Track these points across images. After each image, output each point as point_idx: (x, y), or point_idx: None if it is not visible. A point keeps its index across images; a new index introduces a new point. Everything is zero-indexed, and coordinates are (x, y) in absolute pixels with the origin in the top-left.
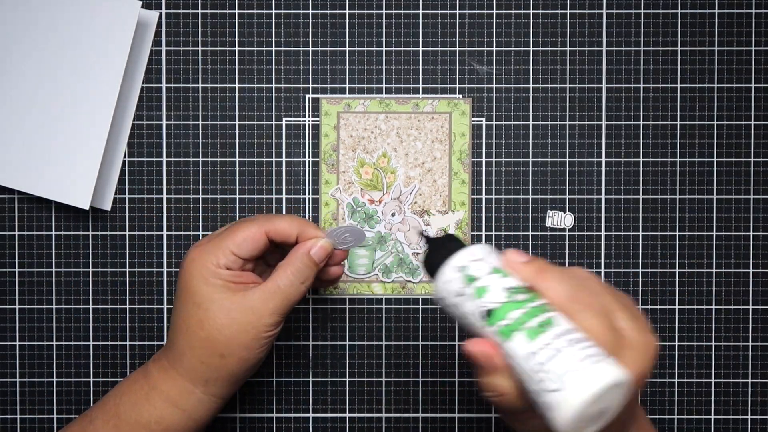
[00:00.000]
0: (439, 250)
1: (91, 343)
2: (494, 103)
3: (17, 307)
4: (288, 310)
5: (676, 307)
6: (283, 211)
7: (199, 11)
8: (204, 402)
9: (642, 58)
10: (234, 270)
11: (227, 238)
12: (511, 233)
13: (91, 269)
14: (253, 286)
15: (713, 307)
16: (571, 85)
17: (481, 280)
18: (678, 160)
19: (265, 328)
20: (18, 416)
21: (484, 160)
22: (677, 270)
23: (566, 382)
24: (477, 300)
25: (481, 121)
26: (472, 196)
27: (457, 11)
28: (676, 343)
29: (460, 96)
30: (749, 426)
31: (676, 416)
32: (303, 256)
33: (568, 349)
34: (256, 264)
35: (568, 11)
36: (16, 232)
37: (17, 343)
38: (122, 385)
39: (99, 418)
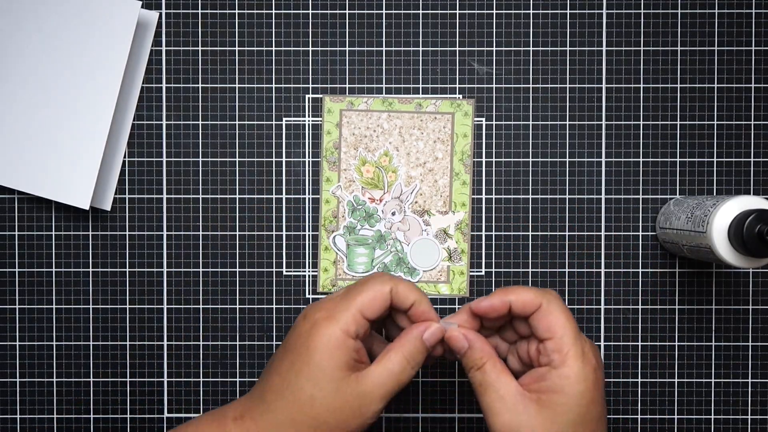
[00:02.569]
0: None
1: (91, 343)
2: (494, 103)
3: (17, 307)
4: (395, 395)
5: (676, 307)
6: (283, 211)
7: (199, 11)
8: None
9: (642, 58)
10: (360, 337)
11: (355, 299)
12: (511, 233)
13: (91, 269)
14: (363, 366)
15: (713, 307)
16: (571, 85)
17: None
18: (678, 160)
19: (373, 414)
20: (18, 416)
21: (483, 160)
22: (677, 270)
23: None
24: None
25: (481, 121)
26: (472, 196)
27: (457, 11)
28: (676, 343)
29: (460, 96)
30: (749, 426)
31: (675, 416)
32: (416, 340)
33: None
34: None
35: (568, 11)
36: (16, 232)
37: (17, 343)
38: (191, 427)
39: None
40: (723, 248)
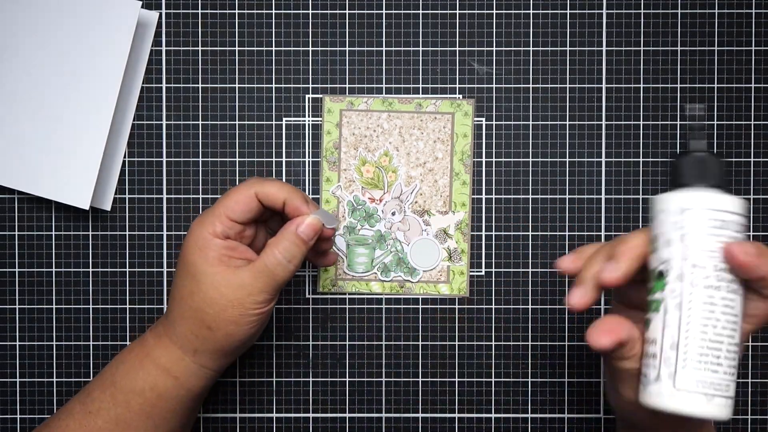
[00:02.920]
0: (699, 168)
1: (91, 343)
2: (494, 103)
3: (17, 307)
4: (277, 289)
5: None
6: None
7: (199, 11)
8: (194, 371)
9: (642, 58)
10: (231, 239)
11: (221, 204)
12: (511, 233)
13: (91, 269)
14: (245, 262)
15: None
16: (571, 85)
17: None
18: None
19: (253, 305)
20: (18, 416)
21: (483, 160)
22: None
23: (678, 386)
24: (683, 250)
25: (481, 121)
26: (472, 196)
27: (457, 11)
28: None
29: (461, 96)
30: (749, 426)
31: None
32: (290, 234)
33: (702, 363)
34: (257, 232)
35: (568, 11)
36: (16, 232)
37: (17, 343)
38: (119, 355)
39: (97, 389)
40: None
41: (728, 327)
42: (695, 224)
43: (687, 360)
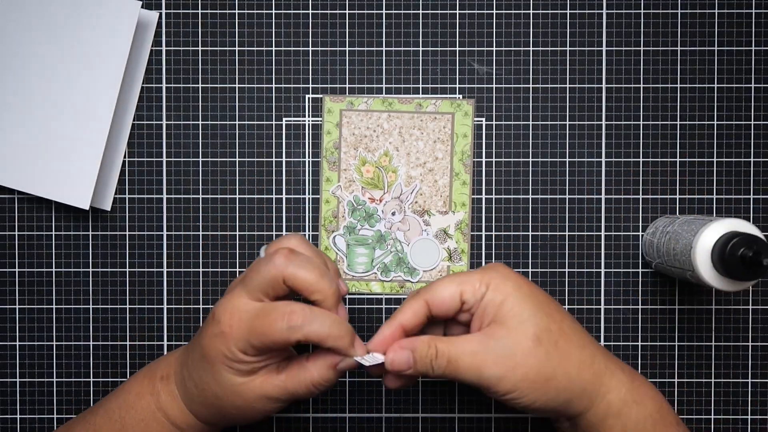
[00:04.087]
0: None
1: (91, 343)
2: (494, 103)
3: (17, 307)
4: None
5: (676, 307)
6: (283, 211)
7: (199, 11)
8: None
9: (642, 58)
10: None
11: (249, 279)
12: (511, 233)
13: (91, 269)
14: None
15: (713, 307)
16: (571, 85)
17: None
18: (678, 160)
19: (275, 411)
20: (18, 416)
21: (484, 160)
22: None
23: None
24: None
25: (481, 121)
26: (472, 196)
27: (457, 11)
28: (676, 343)
29: (460, 96)
30: (749, 426)
31: None
32: (328, 370)
33: None
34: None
35: (568, 11)
36: (16, 232)
37: (17, 343)
38: (128, 396)
39: (104, 427)
40: (706, 271)
41: None
42: None
43: None
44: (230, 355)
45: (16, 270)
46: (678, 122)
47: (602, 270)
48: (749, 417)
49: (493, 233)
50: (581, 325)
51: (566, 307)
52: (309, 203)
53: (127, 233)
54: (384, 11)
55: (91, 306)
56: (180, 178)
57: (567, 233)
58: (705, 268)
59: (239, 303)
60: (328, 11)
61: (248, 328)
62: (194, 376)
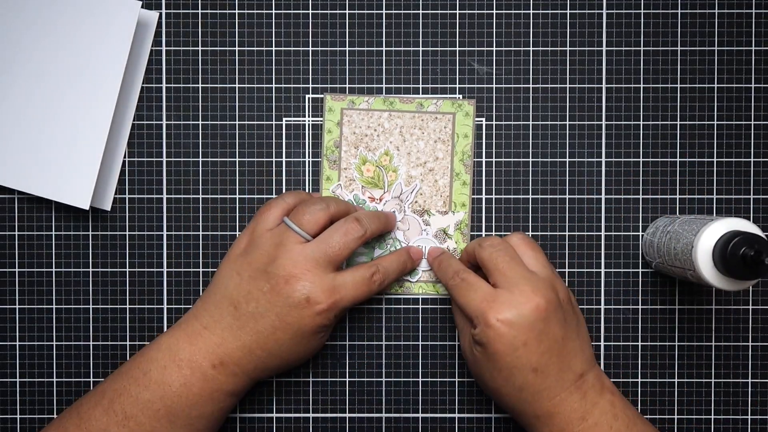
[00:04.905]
0: None
1: (91, 343)
2: (494, 103)
3: (17, 307)
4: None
5: (676, 307)
6: None
7: (199, 11)
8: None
9: (642, 58)
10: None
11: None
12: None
13: (91, 269)
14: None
15: (713, 307)
16: (571, 85)
17: None
18: (678, 160)
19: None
20: (18, 416)
21: (484, 159)
22: None
23: None
24: None
25: (481, 121)
26: (472, 196)
27: (457, 11)
28: (676, 343)
29: (461, 96)
30: (749, 426)
31: (676, 416)
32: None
33: None
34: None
35: (568, 11)
36: (16, 232)
37: (17, 343)
38: (168, 389)
39: (142, 416)
40: (707, 270)
41: None
42: None
43: None
44: (329, 323)
45: (16, 270)
46: (678, 122)
47: (602, 270)
48: (749, 417)
49: (493, 233)
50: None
51: None
52: None
53: (127, 233)
54: (384, 11)
55: (91, 306)
56: (180, 178)
57: (567, 233)
58: (706, 268)
59: (330, 280)
60: (328, 11)
61: (352, 297)
62: (276, 353)
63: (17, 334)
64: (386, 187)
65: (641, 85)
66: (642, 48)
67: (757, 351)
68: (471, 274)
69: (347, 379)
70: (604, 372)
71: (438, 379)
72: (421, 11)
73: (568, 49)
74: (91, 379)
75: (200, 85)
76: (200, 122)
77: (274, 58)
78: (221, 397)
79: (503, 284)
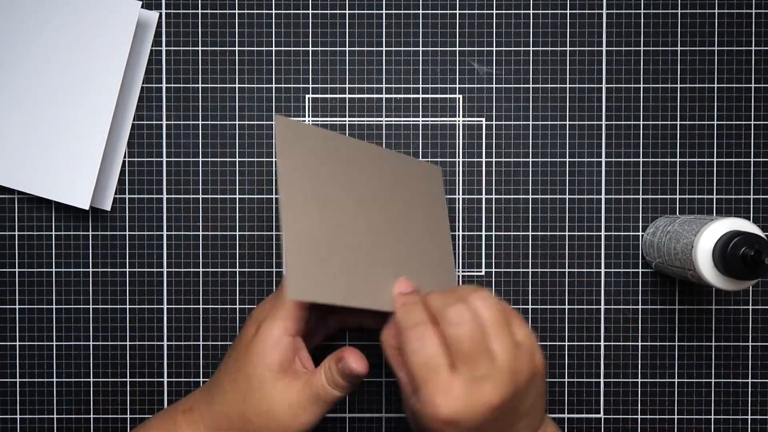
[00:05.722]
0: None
1: (91, 343)
2: (494, 103)
3: (17, 307)
4: (324, 410)
5: (676, 307)
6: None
7: (199, 11)
8: None
9: (642, 58)
10: (302, 333)
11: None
12: (511, 233)
13: (91, 269)
14: (304, 372)
15: (713, 307)
16: (571, 85)
17: None
18: (678, 160)
19: (301, 426)
20: (18, 416)
21: (484, 160)
22: None
23: None
24: None
25: (481, 121)
26: (472, 196)
27: (457, 11)
28: (676, 343)
29: (460, 96)
30: (749, 426)
31: (676, 416)
32: (340, 370)
33: None
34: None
35: (568, 11)
36: (16, 232)
37: (17, 343)
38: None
39: None
40: (707, 270)
41: None
42: None
43: None
44: (275, 331)
45: (16, 270)
46: (678, 122)
47: (602, 270)
48: (749, 417)
49: (493, 233)
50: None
51: (566, 307)
52: None
53: (127, 233)
54: (384, 11)
55: (91, 306)
56: (180, 178)
57: (567, 233)
58: (706, 267)
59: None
60: (328, 11)
61: (284, 300)
62: (224, 382)
63: (17, 334)
64: None
65: (641, 85)
66: (642, 48)
67: (758, 351)
68: (434, 344)
69: None
70: (605, 372)
71: None
72: (421, 11)
73: (568, 49)
74: (91, 379)
75: (200, 85)
76: (200, 122)
77: (274, 58)
78: None
79: (462, 371)
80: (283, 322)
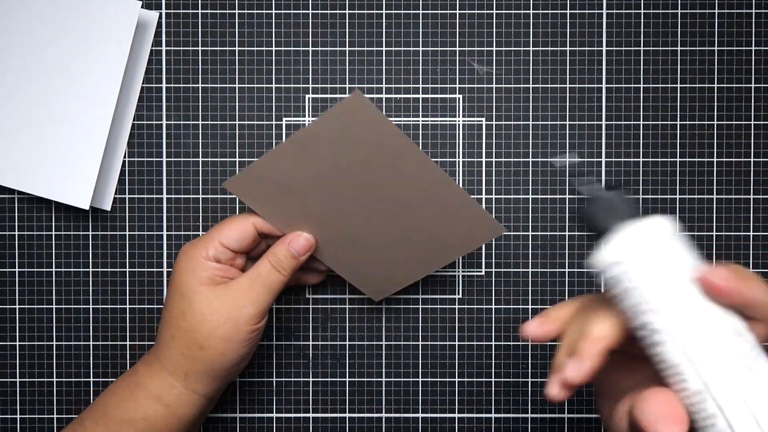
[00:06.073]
0: (608, 210)
1: (91, 343)
2: (494, 103)
3: (17, 307)
4: (269, 302)
5: None
6: None
7: (199, 11)
8: (185, 397)
9: (642, 58)
10: (223, 263)
11: (217, 230)
12: (511, 233)
13: (91, 269)
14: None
15: None
16: (571, 85)
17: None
18: (678, 160)
19: (246, 319)
20: (18, 416)
21: (484, 160)
22: None
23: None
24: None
25: (481, 121)
26: (472, 196)
27: (457, 11)
28: None
29: (460, 96)
30: None
31: None
32: (282, 247)
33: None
34: (247, 261)
35: (568, 11)
36: (16, 232)
37: (17, 343)
38: (111, 386)
39: (89, 419)
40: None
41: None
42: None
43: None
44: (202, 257)
45: (16, 270)
46: (678, 122)
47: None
48: None
49: None
50: None
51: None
52: None
53: (127, 233)
54: (384, 11)
55: (91, 306)
56: (180, 178)
57: (567, 233)
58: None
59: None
60: (328, 11)
61: (209, 233)
62: (166, 316)
63: (17, 334)
64: None
65: (641, 85)
66: (642, 48)
67: None
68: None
69: (347, 379)
70: None
71: (438, 379)
72: (421, 11)
73: (568, 49)
74: (91, 379)
75: (200, 85)
76: (200, 122)
77: (274, 58)
78: (142, 396)
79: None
80: (203, 248)
